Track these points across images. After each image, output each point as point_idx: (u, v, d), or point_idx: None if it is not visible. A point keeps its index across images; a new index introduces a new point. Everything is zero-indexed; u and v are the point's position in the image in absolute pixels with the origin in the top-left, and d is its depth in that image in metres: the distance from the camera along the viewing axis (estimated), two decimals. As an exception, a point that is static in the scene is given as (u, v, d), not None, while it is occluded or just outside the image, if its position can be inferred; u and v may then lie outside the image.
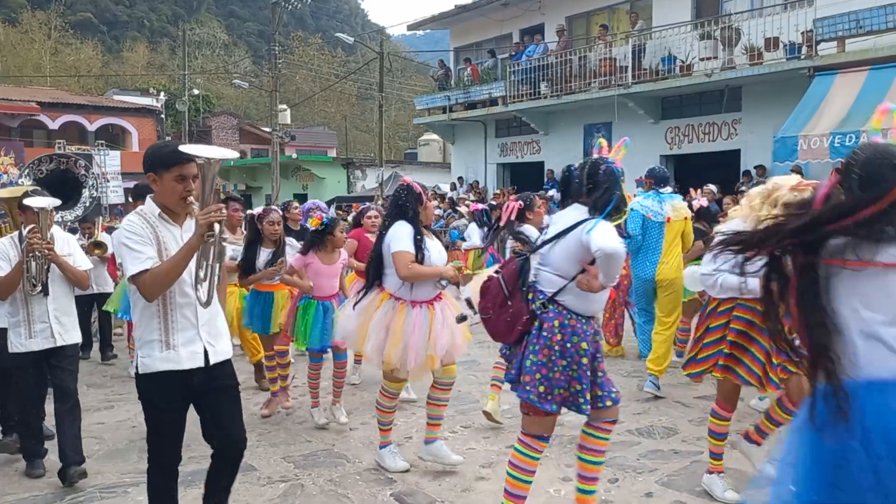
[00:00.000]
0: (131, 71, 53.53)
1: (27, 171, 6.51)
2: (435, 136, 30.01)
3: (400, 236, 4.68)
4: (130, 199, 22.22)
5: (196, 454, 5.38)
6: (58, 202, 4.93)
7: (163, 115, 37.90)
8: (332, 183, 31.89)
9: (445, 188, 24.10)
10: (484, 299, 3.82)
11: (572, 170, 3.85)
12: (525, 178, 21.33)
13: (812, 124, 12.44)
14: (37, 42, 52.76)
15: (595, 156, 3.81)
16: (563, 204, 3.88)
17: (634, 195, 10.07)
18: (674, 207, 7.24)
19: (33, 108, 32.99)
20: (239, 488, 4.77)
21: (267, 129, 36.08)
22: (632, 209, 7.34)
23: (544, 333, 3.57)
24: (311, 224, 6.02)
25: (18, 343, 4.90)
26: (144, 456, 5.35)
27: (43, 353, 4.94)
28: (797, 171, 13.21)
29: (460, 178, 23.69)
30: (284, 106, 32.67)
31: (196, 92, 39.97)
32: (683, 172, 17.62)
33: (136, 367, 3.40)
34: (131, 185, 30.01)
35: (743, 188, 14.04)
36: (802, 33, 13.94)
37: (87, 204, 7.56)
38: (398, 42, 65.83)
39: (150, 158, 3.34)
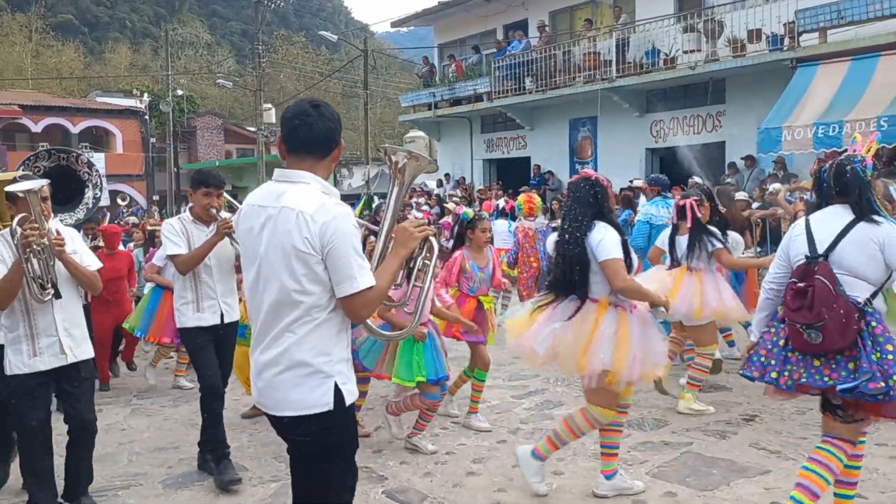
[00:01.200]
0: (114, 72, 53.16)
1: (21, 169, 5.61)
2: (420, 133, 29.95)
3: (611, 241, 4.13)
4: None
5: (186, 456, 5.38)
6: (45, 182, 4.18)
7: (147, 117, 37.74)
8: (318, 181, 31.78)
9: (432, 185, 24.11)
10: (816, 304, 3.42)
11: (822, 171, 3.71)
12: (512, 173, 21.34)
13: (795, 115, 12.51)
14: (17, 44, 52.29)
15: (841, 156, 3.68)
16: (817, 206, 3.76)
17: (623, 189, 10.19)
18: None
19: (15, 112, 32.74)
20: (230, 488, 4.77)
21: (252, 129, 35.94)
22: (637, 221, 7.62)
23: (887, 334, 3.41)
24: None
25: (20, 363, 4.04)
26: (135, 459, 5.35)
27: (51, 375, 4.10)
28: (780, 162, 13.32)
29: (447, 175, 23.68)
30: (269, 105, 32.52)
31: (180, 92, 39.74)
32: (669, 166, 17.69)
33: (334, 400, 2.63)
34: (116, 187, 29.84)
35: (729, 180, 14.12)
36: (784, 25, 14.01)
37: (91, 205, 6.75)
38: (382, 39, 65.68)
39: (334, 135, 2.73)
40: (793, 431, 5.36)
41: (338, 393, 2.62)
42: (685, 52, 15.75)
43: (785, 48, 14.01)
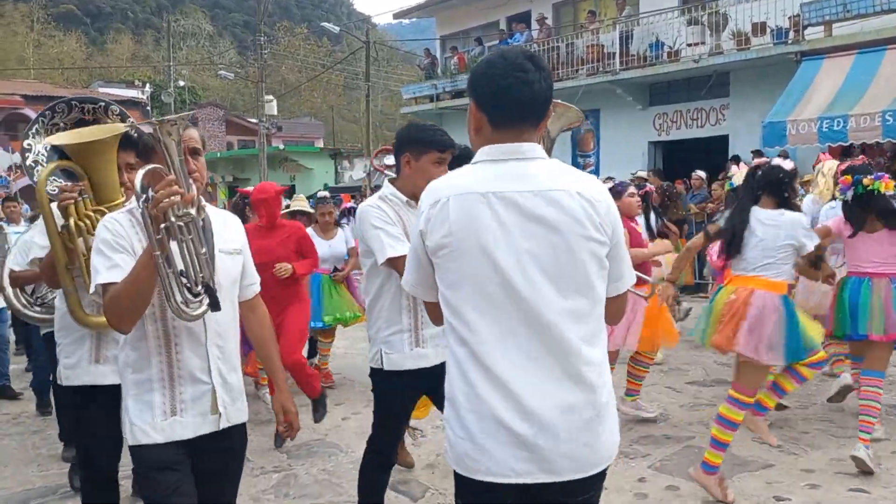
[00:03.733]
0: (116, 63, 53.21)
1: (35, 128, 3.74)
2: (422, 126, 29.95)
3: None
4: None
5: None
6: (190, 113, 2.60)
7: (148, 107, 37.76)
8: (319, 173, 31.78)
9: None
10: None
11: None
12: (514, 166, 21.27)
13: (800, 109, 12.48)
14: (19, 35, 52.37)
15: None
16: None
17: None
18: None
19: (17, 102, 32.77)
20: (232, 480, 4.76)
21: (253, 121, 35.89)
22: None
23: None
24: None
25: (150, 427, 2.40)
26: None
27: (192, 445, 2.46)
28: (784, 156, 13.27)
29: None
30: (271, 97, 32.49)
31: (181, 83, 39.82)
32: (672, 159, 17.65)
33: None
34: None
35: (731, 174, 14.08)
36: (789, 18, 13.95)
37: None
38: (384, 31, 65.65)
39: None
40: (795, 426, 5.35)
41: None
42: (689, 45, 15.69)
43: (790, 42, 13.95)
